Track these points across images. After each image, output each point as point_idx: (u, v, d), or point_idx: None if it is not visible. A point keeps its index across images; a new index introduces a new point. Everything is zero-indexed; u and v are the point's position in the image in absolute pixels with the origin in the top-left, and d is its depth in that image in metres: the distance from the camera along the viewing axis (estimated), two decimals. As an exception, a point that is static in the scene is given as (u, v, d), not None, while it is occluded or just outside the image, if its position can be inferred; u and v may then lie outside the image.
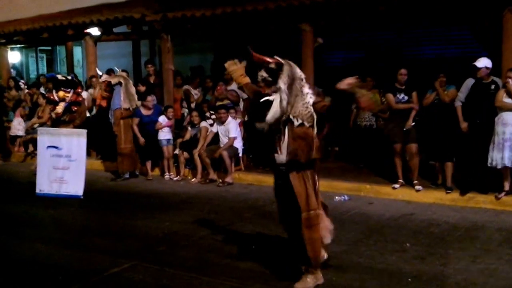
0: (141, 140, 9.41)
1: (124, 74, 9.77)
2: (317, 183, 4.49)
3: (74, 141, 8.34)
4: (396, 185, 7.74)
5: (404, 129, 7.57)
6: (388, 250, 5.41)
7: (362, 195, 7.86)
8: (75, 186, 8.20)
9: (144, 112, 9.51)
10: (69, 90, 9.03)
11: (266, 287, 4.52)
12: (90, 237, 6.12)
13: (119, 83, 9.35)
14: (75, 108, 9.11)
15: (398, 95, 7.76)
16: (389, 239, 5.77)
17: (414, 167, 7.65)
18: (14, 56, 15.76)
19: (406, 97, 7.69)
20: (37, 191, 8.31)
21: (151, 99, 9.58)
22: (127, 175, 9.62)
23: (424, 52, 10.49)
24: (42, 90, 12.28)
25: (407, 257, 5.18)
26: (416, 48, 10.57)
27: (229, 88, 9.66)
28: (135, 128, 9.46)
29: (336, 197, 7.66)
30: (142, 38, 12.58)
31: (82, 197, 8.09)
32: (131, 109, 9.44)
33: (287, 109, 4.24)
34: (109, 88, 9.43)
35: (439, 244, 5.59)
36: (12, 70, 14.66)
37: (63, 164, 8.30)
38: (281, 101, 4.25)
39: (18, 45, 14.20)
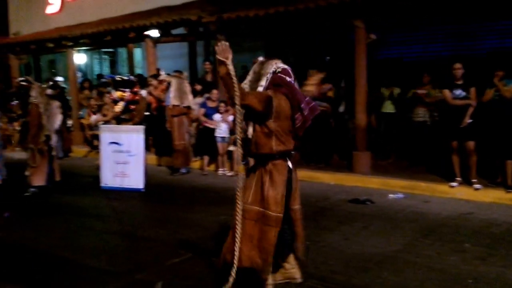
0: (213, 123, 9.41)
1: (184, 74, 9.81)
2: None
3: (133, 137, 8.42)
4: (454, 183, 7.30)
5: (461, 126, 7.11)
6: (446, 250, 5.08)
7: (417, 193, 7.46)
8: (136, 179, 8.31)
9: (209, 104, 9.57)
10: (126, 90, 9.11)
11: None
12: (151, 228, 6.11)
13: (169, 83, 9.45)
14: (133, 106, 9.18)
15: (454, 91, 7.31)
16: (447, 239, 5.42)
17: (472, 165, 7.19)
18: (80, 58, 16.15)
19: (463, 93, 7.22)
20: (102, 184, 8.47)
21: (216, 92, 9.59)
22: (183, 170, 9.61)
23: (482, 47, 9.91)
24: (109, 89, 12.50)
25: (467, 258, 4.85)
26: (472, 43, 9.99)
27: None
28: (202, 118, 9.55)
29: (390, 195, 7.33)
30: (198, 39, 12.57)
31: (143, 190, 8.16)
32: (181, 106, 9.42)
33: None
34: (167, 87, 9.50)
35: (500, 244, 5.21)
36: (78, 71, 15.02)
37: (123, 159, 8.41)
38: None
39: (84, 48, 14.49)
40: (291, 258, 4.16)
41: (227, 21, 9.34)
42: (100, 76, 15.05)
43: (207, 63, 10.93)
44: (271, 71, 4.01)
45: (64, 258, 5.19)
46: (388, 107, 9.25)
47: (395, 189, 7.62)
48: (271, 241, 3.89)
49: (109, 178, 8.45)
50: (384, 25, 9.45)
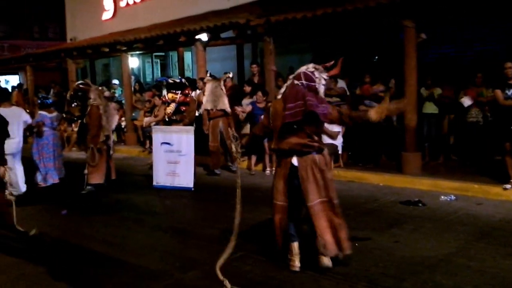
0: (245, 130, 9.52)
1: (229, 75, 9.89)
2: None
3: (184, 138, 8.53)
4: (508, 186, 6.99)
5: (513, 127, 6.82)
6: (501, 254, 4.87)
7: (469, 195, 7.20)
8: (186, 179, 8.42)
9: (258, 104, 9.62)
10: (177, 92, 9.23)
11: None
12: (202, 227, 6.18)
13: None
14: (184, 108, 9.28)
15: (507, 91, 7.00)
16: (501, 242, 5.20)
17: (527, 166, 6.87)
18: (133, 62, 16.53)
19: (517, 93, 6.92)
20: (154, 183, 8.63)
21: (261, 95, 9.62)
22: (218, 171, 9.65)
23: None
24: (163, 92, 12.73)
25: (523, 262, 4.61)
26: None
27: (338, 85, 9.40)
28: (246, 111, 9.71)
29: (442, 197, 7.11)
30: (246, 42, 12.61)
31: (192, 189, 8.25)
32: (214, 110, 9.46)
33: None
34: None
35: (559, 249, 4.94)
36: (131, 75, 15.38)
37: (174, 159, 8.54)
38: None
39: (137, 52, 14.83)
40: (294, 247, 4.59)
41: (274, 23, 9.32)
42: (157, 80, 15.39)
43: (254, 65, 10.95)
44: (288, 83, 4.64)
45: (115, 255, 5.31)
46: (429, 108, 8.99)
47: (447, 190, 7.38)
48: (275, 224, 4.66)
49: (161, 177, 8.60)
50: (434, 24, 9.19)
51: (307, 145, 4.45)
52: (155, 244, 5.59)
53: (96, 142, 8.14)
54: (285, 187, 4.55)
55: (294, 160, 4.47)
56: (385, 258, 4.84)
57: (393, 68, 10.02)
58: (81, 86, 8.38)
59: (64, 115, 8.85)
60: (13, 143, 7.99)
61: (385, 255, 4.91)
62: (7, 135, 6.31)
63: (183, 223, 6.38)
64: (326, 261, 4.49)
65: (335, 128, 8.39)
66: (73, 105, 8.21)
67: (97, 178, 8.17)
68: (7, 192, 7.82)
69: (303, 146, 4.44)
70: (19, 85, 20.18)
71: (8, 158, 7.90)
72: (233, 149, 4.76)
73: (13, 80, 25.40)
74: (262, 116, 9.02)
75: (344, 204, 6.87)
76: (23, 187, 8.39)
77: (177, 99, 9.15)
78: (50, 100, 9.37)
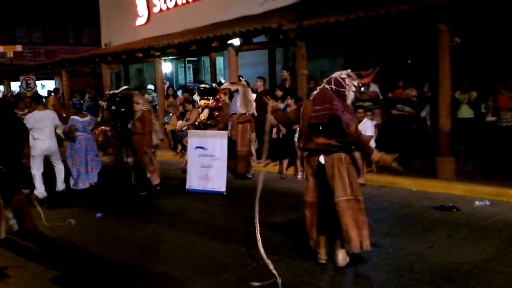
0: (283, 130, 9.55)
1: (243, 82, 9.94)
2: None
3: (217, 142, 8.66)
4: (544, 191, 6.88)
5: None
6: (539, 261, 4.80)
7: (504, 200, 7.10)
8: (218, 182, 8.53)
9: (288, 109, 9.60)
10: (209, 98, 9.38)
11: None
12: (234, 231, 6.26)
13: (237, 90, 9.54)
14: (216, 113, 9.42)
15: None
16: (539, 249, 5.12)
17: None
18: (166, 67, 16.82)
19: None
20: (187, 187, 8.77)
21: (290, 97, 9.64)
22: (249, 175, 9.72)
23: None
24: (195, 96, 12.93)
25: (562, 270, 4.55)
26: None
27: (371, 89, 9.40)
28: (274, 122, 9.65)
29: (477, 202, 7.03)
30: (278, 47, 12.69)
31: (225, 193, 8.37)
32: (247, 114, 9.56)
33: None
34: (229, 94, 9.67)
35: None
36: (164, 80, 15.64)
37: (208, 163, 8.66)
38: None
39: (170, 57, 15.08)
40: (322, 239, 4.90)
41: (307, 28, 9.38)
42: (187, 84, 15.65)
43: (284, 71, 11.00)
44: (321, 86, 4.92)
45: (149, 259, 5.44)
46: (465, 112, 8.89)
47: (481, 196, 7.29)
48: (307, 219, 4.96)
49: (194, 181, 8.74)
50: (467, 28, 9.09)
51: (332, 146, 4.74)
52: (188, 248, 5.70)
53: (151, 146, 8.43)
54: (315, 184, 4.88)
55: (321, 159, 4.80)
56: (420, 264, 4.83)
57: (426, 72, 9.96)
58: (126, 91, 8.61)
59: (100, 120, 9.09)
60: (44, 145, 8.33)
61: (420, 261, 4.90)
62: (25, 141, 6.65)
63: (216, 227, 6.49)
64: (341, 260, 4.80)
65: (368, 132, 8.40)
66: (112, 108, 8.44)
67: (155, 178, 8.60)
68: (35, 192, 8.22)
69: (328, 146, 4.75)
70: (56, 90, 20.77)
71: (37, 159, 8.31)
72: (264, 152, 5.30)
73: (49, 84, 26.20)
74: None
75: (377, 209, 6.95)
76: (61, 186, 8.72)
77: (210, 105, 9.32)
78: (84, 104, 9.62)
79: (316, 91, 4.93)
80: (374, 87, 9.54)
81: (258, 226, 4.91)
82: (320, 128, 4.68)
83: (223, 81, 10.63)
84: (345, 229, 4.64)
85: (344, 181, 4.70)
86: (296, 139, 9.34)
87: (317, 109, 4.66)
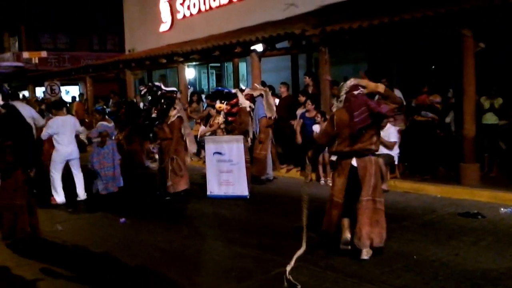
0: (299, 139, 9.66)
1: (266, 88, 10.04)
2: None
3: (234, 147, 8.70)
4: None
5: None
6: None
7: (532, 207, 7.02)
8: (240, 187, 8.61)
9: (307, 114, 9.77)
10: (223, 102, 9.44)
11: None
12: (257, 236, 6.30)
13: (261, 95, 9.59)
14: (231, 118, 9.47)
15: None
16: None
17: None
18: (189, 73, 16.99)
19: None
20: (208, 193, 8.83)
21: (310, 103, 9.72)
22: (264, 177, 9.75)
23: None
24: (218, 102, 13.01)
25: None
26: None
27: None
28: (298, 129, 9.78)
29: (502, 209, 6.96)
30: (301, 52, 12.75)
31: (248, 197, 8.45)
32: (272, 118, 9.65)
33: None
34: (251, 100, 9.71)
35: None
36: (188, 85, 15.80)
37: (227, 168, 8.72)
38: None
39: (193, 63, 15.25)
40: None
41: (330, 33, 9.43)
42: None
43: (306, 77, 11.05)
44: (343, 92, 5.34)
45: (172, 264, 5.53)
46: (490, 118, 8.82)
47: (507, 202, 7.22)
48: (332, 218, 5.39)
49: (215, 186, 8.79)
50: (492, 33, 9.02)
51: (368, 149, 5.22)
52: (211, 253, 5.75)
53: (180, 153, 8.54)
54: (344, 185, 5.28)
55: (354, 161, 5.23)
56: (445, 271, 4.83)
57: (450, 78, 9.91)
58: (173, 93, 8.69)
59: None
60: (65, 150, 8.51)
61: (445, 268, 4.90)
62: (32, 139, 6.76)
63: (238, 233, 6.53)
64: (365, 255, 5.17)
65: (391, 138, 8.40)
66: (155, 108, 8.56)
67: (183, 184, 8.69)
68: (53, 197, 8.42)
69: (364, 150, 5.20)
70: (80, 95, 21.15)
71: (58, 164, 8.50)
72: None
73: (73, 90, 26.68)
74: (317, 127, 9.25)
75: (401, 215, 6.94)
76: (83, 195, 8.83)
77: (224, 109, 9.36)
78: (108, 110, 9.81)
79: (342, 101, 5.34)
80: (397, 93, 9.50)
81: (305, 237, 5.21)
82: (363, 131, 5.11)
83: (243, 87, 10.67)
84: (358, 226, 5.15)
85: (370, 183, 5.16)
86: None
87: (357, 114, 5.05)
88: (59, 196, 8.58)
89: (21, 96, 22.73)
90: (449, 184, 8.28)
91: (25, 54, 23.08)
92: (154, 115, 8.72)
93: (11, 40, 29.15)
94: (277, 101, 10.85)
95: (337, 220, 5.34)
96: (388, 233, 5.91)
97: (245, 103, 8.98)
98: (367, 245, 5.14)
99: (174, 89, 9.12)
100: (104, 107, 11.58)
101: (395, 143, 8.51)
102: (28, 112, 8.79)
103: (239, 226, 6.88)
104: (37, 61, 21.85)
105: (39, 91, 23.55)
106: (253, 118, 9.70)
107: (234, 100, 8.92)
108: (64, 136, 8.46)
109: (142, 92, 9.09)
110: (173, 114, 8.58)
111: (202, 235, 6.55)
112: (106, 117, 9.78)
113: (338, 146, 5.30)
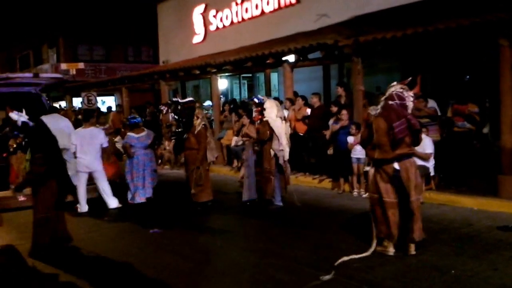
0: (330, 151, 9.65)
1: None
2: None
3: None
4: None
5: None
6: None
7: None
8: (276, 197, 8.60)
9: (340, 123, 9.69)
10: (244, 113, 9.41)
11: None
12: (291, 247, 6.26)
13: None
14: (256, 126, 9.46)
15: None
16: None
17: None
18: (222, 83, 17.12)
19: None
20: (245, 198, 8.79)
21: (345, 113, 9.65)
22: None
23: None
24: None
25: None
26: None
27: (429, 105, 9.25)
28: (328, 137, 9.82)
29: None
30: (333, 63, 12.71)
31: (281, 205, 8.54)
32: None
33: None
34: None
35: None
36: (222, 95, 15.92)
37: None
38: None
39: (226, 74, 15.37)
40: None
41: (363, 43, 9.36)
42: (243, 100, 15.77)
43: (339, 87, 10.97)
44: (383, 98, 5.77)
45: (206, 274, 5.53)
46: None
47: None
48: (390, 219, 5.64)
49: (252, 193, 8.77)
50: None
51: (408, 154, 5.69)
52: (244, 264, 5.73)
53: (203, 162, 8.56)
54: (392, 187, 5.65)
55: (396, 165, 5.63)
56: (484, 286, 4.71)
57: (486, 88, 9.70)
58: (191, 103, 8.75)
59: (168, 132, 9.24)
60: (85, 162, 8.67)
61: (484, 284, 4.77)
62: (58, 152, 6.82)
63: (272, 243, 6.49)
64: (413, 251, 5.64)
65: (427, 150, 8.26)
66: (172, 117, 8.59)
67: (206, 195, 8.65)
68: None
69: (403, 156, 5.63)
70: (118, 106, 21.56)
71: (82, 175, 8.70)
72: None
73: (108, 101, 27.25)
74: (352, 138, 9.16)
75: (438, 228, 6.81)
76: (112, 203, 8.95)
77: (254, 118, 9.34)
78: (137, 120, 9.83)
79: (379, 109, 5.73)
80: (432, 103, 9.36)
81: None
82: (403, 140, 5.57)
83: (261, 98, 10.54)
84: (412, 223, 5.61)
85: (414, 182, 5.60)
86: (355, 156, 9.27)
87: (397, 125, 5.48)
88: (82, 206, 8.80)
89: (57, 106, 23.48)
90: (486, 196, 8.06)
91: (63, 66, 23.72)
92: (174, 128, 8.77)
93: (49, 52, 30.04)
94: (309, 111, 10.83)
95: (396, 219, 5.64)
96: (425, 247, 5.88)
97: (269, 115, 8.72)
98: (421, 238, 5.67)
99: (191, 99, 9.20)
100: (136, 116, 11.64)
101: (431, 154, 8.36)
102: (63, 125, 9.14)
103: (273, 237, 6.84)
104: (74, 72, 22.41)
105: (76, 102, 24.12)
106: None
107: (258, 109, 8.82)
108: (85, 147, 8.65)
109: (164, 112, 9.10)
110: (198, 123, 8.58)
111: (235, 246, 6.54)
112: (141, 127, 9.73)
113: (380, 154, 5.67)
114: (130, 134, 9.40)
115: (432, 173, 8.66)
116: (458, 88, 10.69)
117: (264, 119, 8.48)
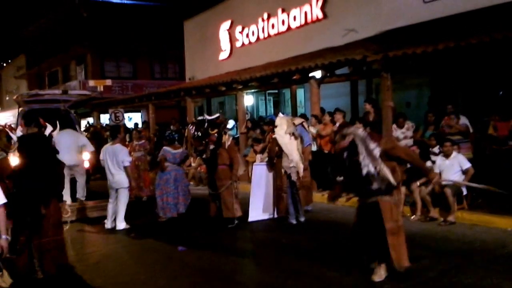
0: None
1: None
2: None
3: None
4: None
5: None
6: None
7: None
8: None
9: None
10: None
11: None
12: (318, 266, 6.18)
13: (301, 124, 9.23)
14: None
15: None
16: None
17: None
18: (247, 99, 17.17)
19: None
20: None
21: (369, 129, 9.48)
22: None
23: None
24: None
25: None
26: None
27: (460, 122, 9.08)
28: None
29: None
30: (361, 78, 12.64)
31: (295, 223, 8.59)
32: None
33: None
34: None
35: None
36: (247, 112, 15.94)
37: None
38: None
39: (252, 90, 15.42)
40: None
41: (392, 58, 9.28)
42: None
43: (367, 104, 10.89)
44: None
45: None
46: None
47: None
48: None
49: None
50: None
51: None
52: (273, 283, 5.70)
53: (237, 176, 8.64)
54: None
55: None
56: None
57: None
58: (219, 119, 8.85)
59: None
60: (109, 179, 8.86)
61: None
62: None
63: (303, 263, 6.39)
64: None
65: (466, 165, 8.08)
66: (197, 134, 8.68)
67: (240, 210, 8.71)
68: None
69: None
70: (144, 123, 21.85)
71: (110, 191, 8.91)
72: None
73: (135, 117, 27.65)
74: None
75: (471, 249, 6.61)
76: (120, 226, 8.88)
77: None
78: (176, 136, 9.95)
79: None
80: (463, 120, 9.18)
81: None
82: None
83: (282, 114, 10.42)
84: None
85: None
86: None
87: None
88: (107, 222, 8.93)
89: (85, 122, 23.95)
90: (522, 217, 7.81)
91: (91, 83, 24.25)
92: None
93: (77, 69, 30.76)
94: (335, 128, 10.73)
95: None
96: (459, 268, 5.80)
97: (278, 132, 8.58)
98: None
99: (218, 115, 9.29)
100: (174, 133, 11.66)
101: (472, 169, 8.18)
102: (71, 141, 9.93)
103: (303, 256, 6.69)
104: (102, 89, 22.85)
105: (103, 118, 24.54)
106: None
107: (270, 127, 8.85)
108: (108, 164, 8.80)
109: (193, 132, 9.11)
110: (227, 138, 8.65)
111: (263, 262, 6.50)
112: (176, 143, 9.71)
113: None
114: (166, 148, 9.44)
115: (465, 192, 8.46)
116: (492, 104, 10.48)
117: (273, 136, 8.51)
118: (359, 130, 5.56)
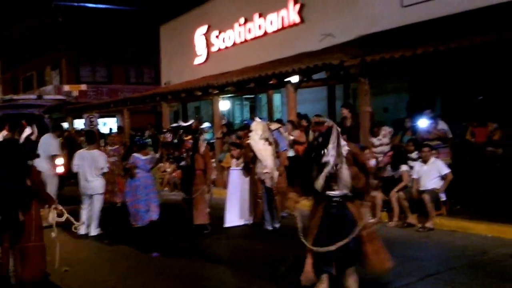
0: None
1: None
2: None
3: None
4: None
5: None
6: None
7: None
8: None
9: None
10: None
11: None
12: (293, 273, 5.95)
13: (277, 129, 9.21)
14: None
15: None
16: None
17: None
18: (223, 104, 16.95)
19: None
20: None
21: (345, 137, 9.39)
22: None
23: None
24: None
25: None
26: None
27: (439, 127, 9.00)
28: None
29: None
30: (339, 83, 12.56)
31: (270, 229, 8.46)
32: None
33: None
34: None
35: None
36: (224, 116, 15.73)
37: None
38: None
39: (228, 95, 15.23)
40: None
41: (370, 63, 9.17)
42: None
43: (344, 109, 10.76)
44: None
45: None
46: None
47: None
48: None
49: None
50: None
51: None
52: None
53: (210, 180, 8.66)
54: None
55: None
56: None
57: (499, 109, 9.47)
58: (196, 123, 8.77)
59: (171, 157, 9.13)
60: (85, 183, 8.54)
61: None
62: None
63: (273, 268, 6.16)
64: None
65: (445, 170, 8.03)
66: (173, 141, 8.56)
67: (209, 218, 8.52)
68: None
69: None
70: (119, 128, 21.47)
71: (84, 197, 8.60)
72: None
73: (110, 122, 27.19)
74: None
75: (449, 257, 6.49)
76: (93, 232, 8.60)
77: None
78: (146, 141, 9.75)
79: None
80: (442, 125, 9.11)
81: None
82: None
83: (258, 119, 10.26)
84: None
85: None
86: None
87: None
88: (82, 228, 8.34)
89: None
90: (501, 223, 7.73)
91: (66, 87, 23.76)
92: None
93: (52, 73, 30.20)
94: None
95: None
96: (437, 275, 5.68)
97: (252, 137, 8.39)
98: None
99: (192, 121, 9.29)
100: (142, 138, 11.53)
101: (451, 175, 8.12)
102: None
103: (278, 262, 6.35)
104: (77, 94, 22.47)
105: (77, 123, 24.06)
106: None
107: (246, 132, 8.74)
108: (84, 170, 8.50)
109: (169, 139, 9.00)
110: (201, 143, 8.55)
111: (242, 270, 6.29)
112: (148, 149, 9.58)
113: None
114: (136, 155, 9.20)
115: (443, 198, 8.37)
116: (471, 109, 10.46)
117: (247, 141, 8.36)
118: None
